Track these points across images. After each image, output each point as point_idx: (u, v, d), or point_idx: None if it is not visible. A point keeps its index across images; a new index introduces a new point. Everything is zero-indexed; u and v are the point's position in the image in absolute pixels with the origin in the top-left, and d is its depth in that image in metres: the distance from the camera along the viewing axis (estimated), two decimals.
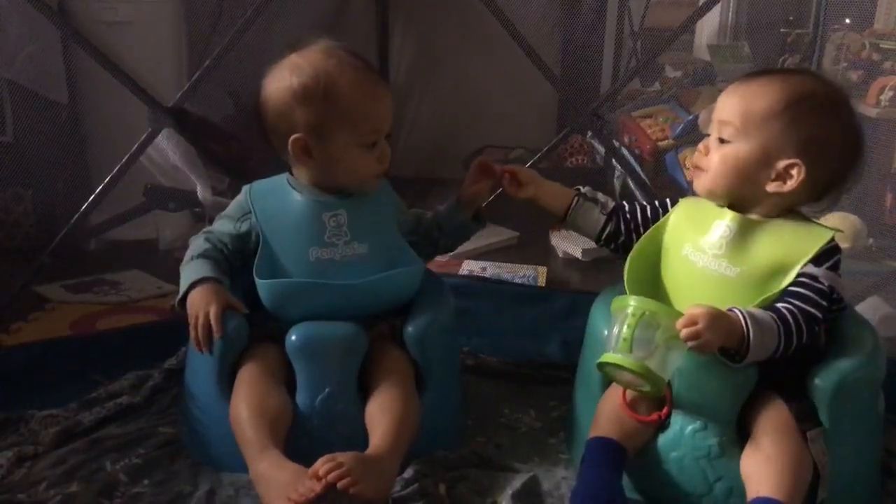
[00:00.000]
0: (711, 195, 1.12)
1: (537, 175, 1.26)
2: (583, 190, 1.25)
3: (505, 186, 1.26)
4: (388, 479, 1.04)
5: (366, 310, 1.17)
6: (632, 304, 1.02)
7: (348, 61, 1.15)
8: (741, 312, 1.01)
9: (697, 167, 1.13)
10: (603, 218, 1.23)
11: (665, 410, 1.07)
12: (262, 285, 1.14)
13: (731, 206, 1.11)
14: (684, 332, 0.99)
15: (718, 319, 1.00)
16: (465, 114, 2.67)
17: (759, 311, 1.02)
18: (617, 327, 1.02)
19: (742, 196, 1.10)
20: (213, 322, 1.09)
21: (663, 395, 1.05)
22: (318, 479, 0.97)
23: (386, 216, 1.23)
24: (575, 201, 1.24)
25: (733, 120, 1.08)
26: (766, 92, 1.07)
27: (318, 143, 1.15)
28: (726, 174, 1.09)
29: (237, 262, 1.20)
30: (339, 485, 0.96)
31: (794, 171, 1.06)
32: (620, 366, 1.00)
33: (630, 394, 1.09)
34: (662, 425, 1.08)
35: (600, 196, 1.25)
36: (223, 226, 1.20)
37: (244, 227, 1.19)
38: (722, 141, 1.10)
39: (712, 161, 1.10)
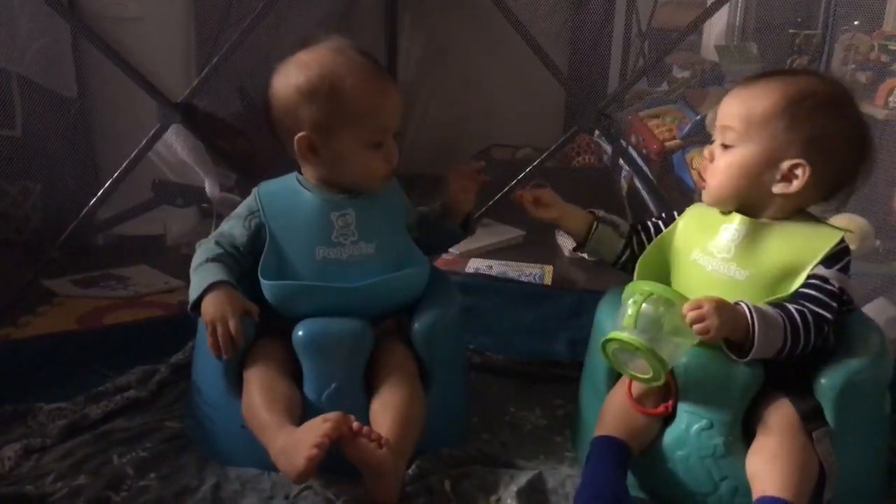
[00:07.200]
0: (720, 204, 1.12)
1: (558, 197, 1.24)
2: (598, 214, 1.24)
3: (528, 208, 1.23)
4: (397, 479, 1.04)
5: (370, 311, 1.16)
6: (642, 286, 1.03)
7: (356, 59, 1.15)
8: (748, 305, 1.01)
9: (702, 177, 1.12)
10: (621, 242, 1.22)
11: (671, 402, 1.07)
12: (266, 286, 1.14)
13: (740, 211, 1.10)
14: (690, 315, 0.99)
15: (725, 308, 1.00)
16: (473, 112, 2.67)
17: (766, 307, 1.02)
18: (624, 308, 1.03)
19: (750, 200, 1.10)
20: (233, 333, 1.08)
21: (666, 383, 1.04)
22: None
23: (395, 216, 1.22)
24: (594, 225, 1.23)
25: (734, 124, 1.08)
26: (767, 93, 1.07)
27: (324, 141, 1.14)
28: (731, 180, 1.09)
29: (248, 263, 1.19)
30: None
31: (798, 171, 1.05)
32: (623, 342, 1.00)
33: (636, 388, 1.09)
34: (668, 422, 1.08)
35: (615, 219, 1.24)
36: (233, 228, 1.19)
37: (253, 225, 1.18)
38: (725, 147, 1.09)
39: (717, 169, 1.10)
